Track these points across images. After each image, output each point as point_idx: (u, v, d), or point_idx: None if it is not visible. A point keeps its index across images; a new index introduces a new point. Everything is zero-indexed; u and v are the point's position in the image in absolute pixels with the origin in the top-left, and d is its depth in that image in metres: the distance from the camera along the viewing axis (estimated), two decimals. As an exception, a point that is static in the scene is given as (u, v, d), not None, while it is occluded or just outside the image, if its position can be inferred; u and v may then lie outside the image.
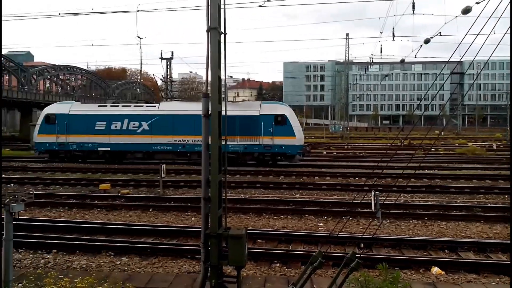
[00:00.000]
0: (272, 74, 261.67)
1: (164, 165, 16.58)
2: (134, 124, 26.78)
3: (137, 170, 22.34)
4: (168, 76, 36.17)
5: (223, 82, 6.37)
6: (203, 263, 5.99)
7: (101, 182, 17.58)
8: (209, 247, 5.92)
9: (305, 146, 26.35)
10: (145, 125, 26.68)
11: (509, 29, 4.74)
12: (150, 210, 12.90)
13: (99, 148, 27.05)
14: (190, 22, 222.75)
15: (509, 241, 9.31)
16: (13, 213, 6.57)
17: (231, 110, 26.44)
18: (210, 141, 6.13)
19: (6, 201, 6.51)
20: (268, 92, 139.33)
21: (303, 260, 8.01)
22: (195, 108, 26.55)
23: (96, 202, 13.88)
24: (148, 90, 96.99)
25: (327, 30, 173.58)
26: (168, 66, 35.71)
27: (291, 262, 8.15)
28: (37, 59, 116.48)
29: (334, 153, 33.94)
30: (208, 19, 6.07)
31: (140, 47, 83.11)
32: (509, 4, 4.78)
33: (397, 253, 8.89)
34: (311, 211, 12.34)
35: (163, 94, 40.42)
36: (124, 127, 26.77)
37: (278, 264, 8.10)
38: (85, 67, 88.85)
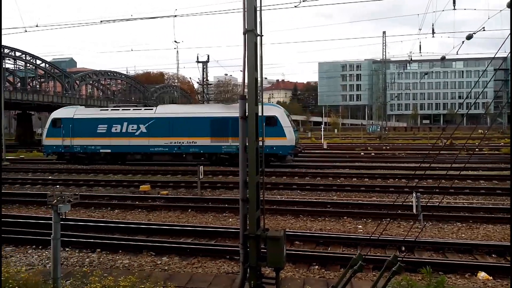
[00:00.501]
0: (307, 74, 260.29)
1: (202, 167, 16.84)
2: (133, 127, 27.79)
3: (175, 171, 22.79)
4: (204, 79, 36.63)
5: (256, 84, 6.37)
6: (242, 264, 6.03)
7: (141, 183, 18.07)
8: (247, 248, 5.96)
9: (297, 147, 26.43)
10: (143, 128, 27.63)
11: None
12: (189, 210, 13.12)
13: (101, 150, 28.29)
14: (226, 25, 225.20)
15: None
16: (60, 214, 6.88)
17: (224, 112, 25.61)
18: (247, 143, 6.17)
19: (54, 202, 6.82)
20: (303, 92, 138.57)
21: (342, 263, 7.90)
22: (189, 110, 28.33)
23: (137, 202, 14.26)
24: (185, 94, 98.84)
25: (363, 29, 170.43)
26: (204, 69, 36.20)
27: (330, 265, 8.05)
28: (80, 65, 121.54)
29: (372, 153, 33.26)
30: (244, 22, 6.12)
31: (177, 51, 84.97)
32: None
33: (441, 257, 8.58)
34: (349, 213, 12.14)
35: (199, 97, 41.00)
36: (124, 130, 27.83)
37: (317, 267, 8.02)
38: (125, 72, 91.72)
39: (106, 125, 28.18)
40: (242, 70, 6.15)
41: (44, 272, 7.27)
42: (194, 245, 9.08)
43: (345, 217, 11.89)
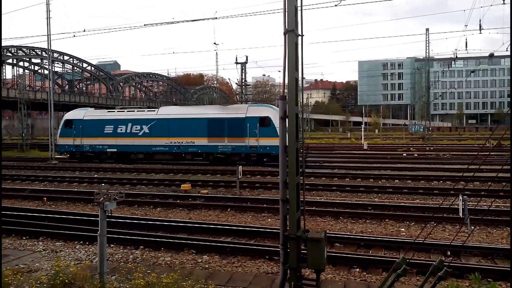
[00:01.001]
0: (346, 73, 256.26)
1: (241, 167, 16.97)
2: (136, 127, 29.29)
3: (215, 171, 23.09)
4: (243, 80, 36.89)
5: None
6: (282, 264, 6.01)
7: (182, 182, 18.45)
8: (287, 249, 5.94)
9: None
10: (145, 128, 29.08)
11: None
12: (228, 210, 13.25)
13: (107, 150, 30.01)
14: (265, 26, 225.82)
15: None
16: (107, 211, 7.14)
17: (220, 113, 26.21)
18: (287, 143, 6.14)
19: (101, 199, 7.09)
20: (342, 92, 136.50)
21: (384, 266, 7.71)
22: (188, 112, 29.67)
23: (178, 201, 14.57)
24: (223, 94, 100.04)
25: (405, 26, 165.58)
26: (243, 70, 36.44)
27: (371, 268, 7.87)
28: (123, 67, 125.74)
29: (415, 154, 32.25)
30: (285, 22, 6.10)
31: (217, 53, 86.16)
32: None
33: (489, 263, 8.19)
34: (391, 216, 11.83)
35: (237, 97, 41.34)
36: (128, 130, 29.40)
37: (358, 269, 7.87)
38: (166, 74, 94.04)
39: (112, 126, 29.85)
40: (282, 70, 6.15)
41: (91, 267, 7.56)
42: (234, 244, 9.16)
43: (387, 220, 11.59)
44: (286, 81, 6.16)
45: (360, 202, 13.81)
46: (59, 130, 32.14)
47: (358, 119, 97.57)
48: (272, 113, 26.46)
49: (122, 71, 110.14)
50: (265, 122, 26.30)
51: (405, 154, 32.36)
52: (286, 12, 6.07)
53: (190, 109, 31.90)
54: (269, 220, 12.10)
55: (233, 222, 11.75)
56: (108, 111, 32.46)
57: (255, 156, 26.61)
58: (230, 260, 8.47)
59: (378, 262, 8.01)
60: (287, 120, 6.12)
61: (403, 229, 10.77)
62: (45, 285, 6.55)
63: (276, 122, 25.31)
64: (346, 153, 34.74)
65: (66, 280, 6.58)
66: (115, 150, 29.86)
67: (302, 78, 6.31)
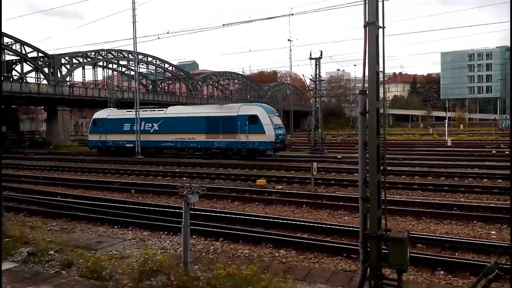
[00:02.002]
0: (427, 66, 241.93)
1: (316, 163, 16.85)
2: (148, 125, 33.02)
3: (289, 167, 23.19)
4: (317, 75, 36.47)
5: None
6: (361, 263, 5.91)
7: (257, 177, 18.80)
8: (367, 247, 5.82)
9: (277, 143, 28.85)
10: (156, 126, 32.80)
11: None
12: (304, 206, 13.25)
13: (126, 145, 34.03)
14: (339, 20, 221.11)
15: None
16: (189, 203, 7.53)
17: (216, 112, 28.50)
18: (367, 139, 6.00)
19: (184, 192, 7.49)
20: (423, 85, 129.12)
21: (472, 270, 7.23)
22: (190, 111, 32.91)
23: (254, 196, 14.88)
24: (297, 91, 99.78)
25: (492, 14, 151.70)
26: (317, 66, 36.01)
27: (458, 271, 7.42)
28: (201, 67, 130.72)
29: (506, 152, 29.59)
30: (365, 14, 5.95)
31: (290, 49, 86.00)
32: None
33: None
34: (480, 217, 11.02)
35: (311, 93, 40.96)
36: (142, 128, 33.01)
37: (442, 272, 7.46)
38: (241, 72, 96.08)
39: (129, 124, 33.96)
40: (360, 64, 6.00)
41: (176, 256, 8.03)
42: (311, 240, 9.15)
43: (475, 221, 10.83)
44: (366, 75, 6.02)
45: (445, 202, 13.03)
46: (89, 128, 37.20)
47: (441, 113, 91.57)
48: (260, 111, 28.92)
49: (200, 70, 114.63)
50: (253, 119, 28.50)
51: (494, 152, 29.83)
52: (367, 4, 5.93)
53: (192, 109, 34.57)
54: (346, 218, 11.89)
55: (308, 218, 11.73)
56: (127, 111, 36.36)
57: (245, 151, 29.08)
58: (307, 255, 8.50)
59: (465, 266, 7.53)
60: (367, 115, 5.97)
61: (493, 232, 9.99)
62: (135, 270, 7.07)
63: (263, 119, 28.49)
64: (428, 150, 32.89)
65: (154, 267, 7.06)
66: (132, 145, 33.36)
67: (384, 71, 6.11)
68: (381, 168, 6.06)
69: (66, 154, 36.56)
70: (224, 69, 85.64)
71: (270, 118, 28.87)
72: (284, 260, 8.24)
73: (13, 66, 50.91)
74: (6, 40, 45.71)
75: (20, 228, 10.53)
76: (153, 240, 9.90)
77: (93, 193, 16.64)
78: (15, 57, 48.72)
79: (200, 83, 73.28)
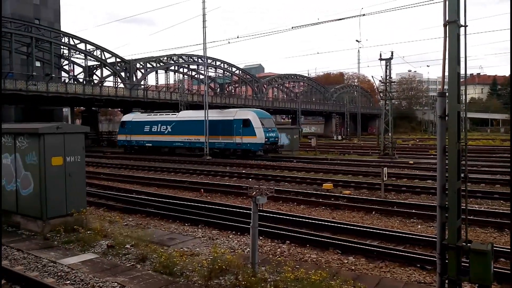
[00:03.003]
0: (509, 66, 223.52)
1: (386, 168, 16.24)
2: (163, 127, 37.63)
3: (356, 172, 22.59)
4: (387, 76, 35.19)
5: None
6: (438, 275, 5.58)
7: (323, 181, 18.52)
8: (445, 259, 5.49)
9: (267, 145, 32.00)
10: (169, 128, 37.23)
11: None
12: (373, 213, 12.82)
13: (146, 144, 39.00)
14: (411, 20, 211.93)
15: None
16: (258, 204, 7.60)
17: (216, 116, 35.19)
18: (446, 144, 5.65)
19: (253, 193, 7.58)
20: (504, 87, 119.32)
21: None
22: (196, 115, 36.37)
23: (320, 200, 14.67)
24: (365, 93, 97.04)
25: None
26: (387, 67, 34.75)
27: (549, 291, 6.74)
28: (267, 70, 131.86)
29: None
30: (445, 12, 5.63)
31: (358, 50, 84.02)
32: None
33: None
34: None
35: (381, 95, 39.60)
36: (158, 130, 37.93)
37: (531, 291, 6.82)
38: (306, 74, 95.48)
39: (149, 126, 38.75)
40: (442, 64, 5.67)
41: (243, 256, 8.14)
42: (382, 248, 8.82)
43: None
44: (446, 76, 5.70)
45: (532, 214, 11.91)
46: (118, 129, 43.00)
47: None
48: (252, 115, 32.50)
49: (266, 73, 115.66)
50: (246, 123, 32.07)
51: None
52: (447, 2, 5.60)
53: (198, 113, 37.37)
54: (419, 226, 11.31)
55: (378, 225, 11.32)
56: (148, 115, 41.23)
57: (240, 151, 32.81)
58: (377, 264, 8.20)
59: (558, 286, 6.82)
60: (446, 119, 5.64)
61: None
62: (205, 268, 7.27)
63: (255, 123, 31.96)
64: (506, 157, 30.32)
65: (223, 266, 7.21)
66: (150, 144, 38.59)
67: (466, 73, 5.73)
68: (462, 175, 5.69)
69: (140, 153, 38.65)
70: (289, 72, 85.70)
71: (261, 122, 32.23)
72: (353, 268, 8.02)
73: (94, 71, 54.97)
74: (88, 47, 49.48)
75: (100, 222, 11.31)
76: (222, 239, 10.12)
77: (165, 191, 17.41)
78: (96, 63, 52.54)
79: (265, 86, 73.95)
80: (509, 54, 5.46)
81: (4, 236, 9.99)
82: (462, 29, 5.59)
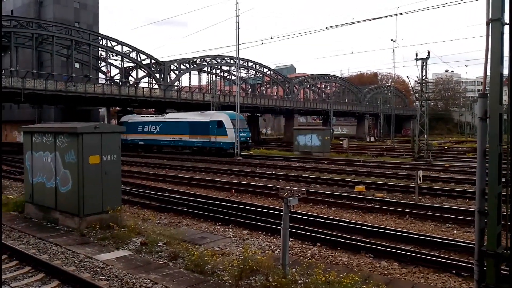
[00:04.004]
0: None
1: (421, 171, 15.82)
2: (153, 127, 42.11)
3: (389, 175, 22.12)
4: (423, 77, 34.28)
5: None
6: (476, 282, 5.38)
7: (355, 184, 18.23)
8: (484, 266, 5.28)
9: (235, 143, 34.59)
10: (157, 128, 41.71)
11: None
12: (407, 216, 12.52)
13: (139, 143, 43.27)
14: (449, 18, 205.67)
15: None
16: (289, 206, 7.57)
17: (197, 117, 40.31)
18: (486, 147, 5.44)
19: (285, 195, 7.56)
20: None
21: None
22: (180, 116, 41.51)
23: (352, 203, 14.45)
24: (399, 93, 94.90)
25: None
26: (423, 67, 33.84)
27: None
28: (299, 70, 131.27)
29: None
30: (488, 10, 5.43)
31: (393, 50, 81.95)
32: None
33: None
34: None
35: (416, 96, 38.61)
36: (148, 129, 42.51)
37: None
38: (338, 75, 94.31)
39: (141, 126, 43.24)
40: (484, 64, 5.47)
41: (274, 257, 8.12)
42: (415, 253, 8.58)
43: None
44: (488, 77, 5.50)
45: None
46: None
47: None
48: (225, 117, 36.34)
49: (298, 74, 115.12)
50: (220, 124, 36.11)
51: None
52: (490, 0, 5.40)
53: (182, 115, 42.50)
54: (455, 232, 10.95)
55: (412, 229, 11.04)
56: (141, 116, 46.44)
57: (214, 149, 36.86)
58: (410, 269, 7.99)
59: None
60: (487, 120, 5.43)
61: None
62: (235, 268, 7.31)
63: (227, 124, 35.74)
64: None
65: (254, 267, 7.23)
66: (142, 143, 43.06)
67: (510, 73, 5.50)
68: (503, 179, 5.46)
69: (173, 153, 39.39)
70: (321, 72, 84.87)
71: (233, 123, 35.16)
72: (385, 272, 7.85)
73: (130, 72, 56.41)
74: (125, 49, 50.85)
75: (134, 219, 11.59)
76: (252, 239, 10.15)
77: (197, 191, 17.64)
78: (132, 64, 53.91)
79: (297, 86, 73.56)
80: (509, 54, 5.28)
81: (43, 232, 10.42)
82: (506, 27, 5.38)
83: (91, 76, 47.83)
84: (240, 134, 34.97)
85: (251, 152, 39.50)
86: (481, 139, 5.49)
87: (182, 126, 39.38)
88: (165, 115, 43.54)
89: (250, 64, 65.21)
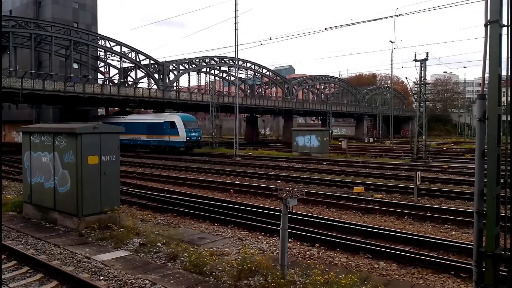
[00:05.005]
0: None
1: (419, 172, 15.85)
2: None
3: (389, 176, 22.14)
4: (422, 78, 34.33)
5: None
6: (475, 283, 5.39)
7: (354, 184, 18.25)
8: (482, 267, 5.30)
9: (188, 142, 39.59)
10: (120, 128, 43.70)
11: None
12: (405, 217, 12.54)
13: None
14: (447, 20, 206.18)
15: None
16: (288, 206, 7.57)
17: (153, 119, 45.75)
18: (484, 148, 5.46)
19: (284, 195, 7.56)
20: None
21: None
22: (139, 118, 45.86)
23: (351, 203, 14.47)
24: (398, 94, 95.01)
25: None
26: (422, 68, 33.89)
27: None
28: (297, 71, 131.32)
29: None
30: (486, 12, 5.45)
31: (392, 51, 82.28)
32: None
33: None
34: None
35: (415, 97, 38.67)
36: None
37: None
38: (337, 76, 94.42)
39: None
40: (482, 65, 5.49)
41: (273, 258, 8.13)
42: (414, 254, 8.60)
43: None
44: (486, 78, 5.52)
45: None
46: None
47: None
48: (177, 118, 40.37)
49: (296, 74, 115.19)
50: (172, 125, 39.98)
51: None
52: (489, 1, 5.42)
53: (140, 117, 46.28)
54: (454, 233, 10.97)
55: (411, 230, 11.06)
56: (107, 117, 50.79)
57: (168, 147, 40.61)
58: (409, 270, 8.01)
59: None
60: (486, 122, 5.45)
61: None
62: (234, 268, 7.31)
63: (179, 125, 39.69)
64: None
65: (253, 267, 7.23)
66: None
67: (508, 75, 5.52)
68: (502, 180, 5.48)
69: (170, 153, 39.42)
70: (320, 73, 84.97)
71: (185, 124, 39.68)
72: (384, 273, 7.86)
73: (128, 73, 56.36)
74: (123, 49, 50.80)
75: (133, 220, 11.58)
76: (251, 240, 10.15)
77: (195, 191, 17.63)
78: (131, 65, 53.88)
79: (295, 87, 73.60)
80: (507, 55, 5.33)
81: (42, 232, 10.40)
82: (504, 29, 5.40)
83: (89, 77, 47.79)
84: (192, 134, 39.70)
85: (250, 153, 39.52)
86: (480, 140, 5.51)
87: (140, 127, 43.53)
88: (126, 116, 47.85)
89: (249, 64, 65.21)
